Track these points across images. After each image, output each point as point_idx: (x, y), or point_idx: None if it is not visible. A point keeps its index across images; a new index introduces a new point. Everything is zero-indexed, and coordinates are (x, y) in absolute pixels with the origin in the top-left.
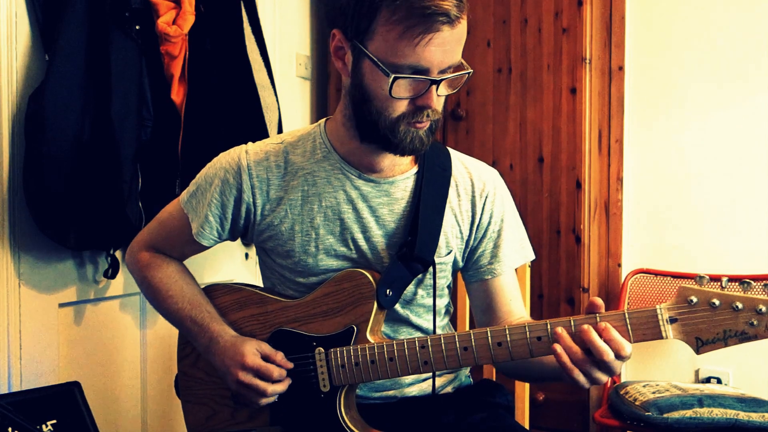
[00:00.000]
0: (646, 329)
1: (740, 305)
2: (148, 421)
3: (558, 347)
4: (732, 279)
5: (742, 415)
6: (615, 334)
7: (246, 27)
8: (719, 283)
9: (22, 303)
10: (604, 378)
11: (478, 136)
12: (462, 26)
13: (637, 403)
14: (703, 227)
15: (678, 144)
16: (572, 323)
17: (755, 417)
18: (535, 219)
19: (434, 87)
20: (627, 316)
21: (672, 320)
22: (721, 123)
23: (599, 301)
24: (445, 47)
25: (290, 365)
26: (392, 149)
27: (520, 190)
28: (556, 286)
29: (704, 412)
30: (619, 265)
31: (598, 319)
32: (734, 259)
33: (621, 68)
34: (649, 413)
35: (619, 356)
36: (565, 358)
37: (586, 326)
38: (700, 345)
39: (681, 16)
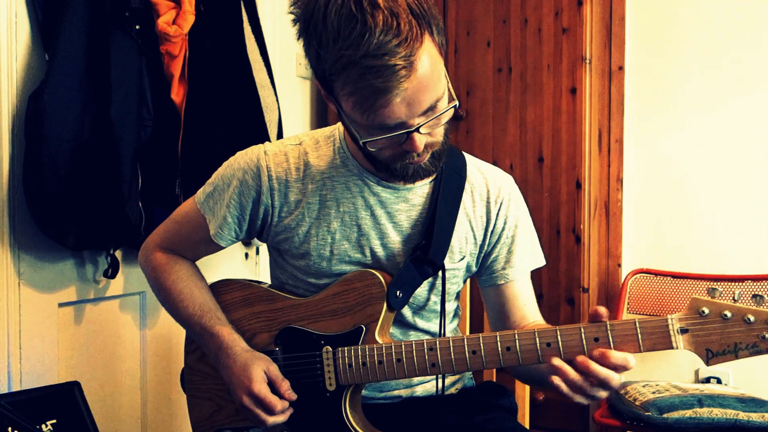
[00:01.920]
0: (657, 339)
1: (752, 318)
2: (148, 420)
3: (556, 379)
4: (734, 280)
5: (742, 415)
6: (615, 357)
7: (246, 27)
8: (731, 296)
9: (22, 303)
10: (605, 394)
11: (478, 136)
12: (422, 73)
13: (637, 403)
14: (703, 227)
15: (678, 144)
16: (582, 332)
17: (755, 417)
18: (535, 219)
19: (414, 133)
20: (638, 325)
21: (683, 331)
22: (721, 123)
23: (603, 311)
24: (409, 101)
25: (294, 397)
26: (398, 180)
27: (520, 190)
28: (556, 286)
29: (704, 412)
30: (619, 265)
31: (608, 327)
32: (734, 259)
33: (621, 68)
34: (649, 413)
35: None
36: (566, 389)
37: (581, 358)
38: (711, 357)
39: (681, 16)
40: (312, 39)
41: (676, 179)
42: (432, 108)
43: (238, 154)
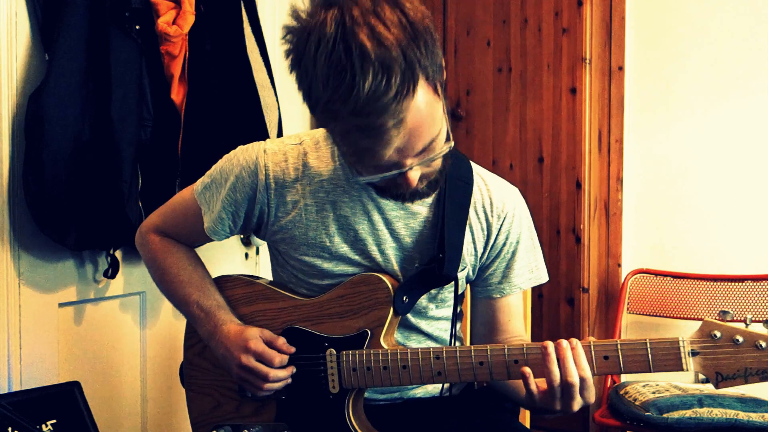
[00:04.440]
0: (668, 360)
1: (764, 344)
2: (148, 420)
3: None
4: (734, 280)
5: (742, 415)
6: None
7: (246, 27)
8: (743, 319)
9: (22, 303)
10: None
11: (478, 136)
12: (413, 125)
13: (636, 403)
14: (703, 227)
15: (678, 144)
16: (592, 348)
17: (755, 417)
18: (535, 219)
19: (408, 171)
20: (649, 345)
21: (694, 353)
22: (722, 123)
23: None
24: (401, 148)
25: (292, 350)
26: (396, 200)
27: (520, 190)
28: (556, 286)
29: (704, 412)
30: (619, 265)
31: (618, 346)
32: (734, 259)
33: (621, 68)
34: (649, 413)
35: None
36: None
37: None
38: (720, 380)
39: (681, 15)
40: (303, 78)
41: (676, 179)
42: (426, 149)
43: (239, 148)
